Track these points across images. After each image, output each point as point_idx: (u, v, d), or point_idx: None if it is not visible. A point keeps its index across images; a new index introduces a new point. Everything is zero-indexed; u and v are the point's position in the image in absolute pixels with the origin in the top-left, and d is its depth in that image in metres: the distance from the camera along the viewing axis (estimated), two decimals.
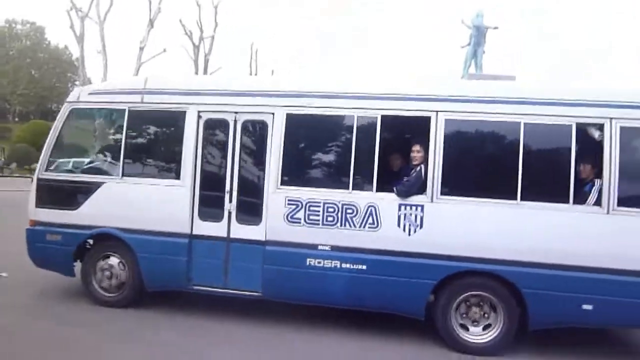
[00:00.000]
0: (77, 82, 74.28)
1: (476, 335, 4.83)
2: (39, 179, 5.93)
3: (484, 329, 4.82)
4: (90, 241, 5.87)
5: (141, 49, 31.64)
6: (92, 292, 5.80)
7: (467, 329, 4.86)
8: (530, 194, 4.69)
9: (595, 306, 4.51)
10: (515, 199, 4.68)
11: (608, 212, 4.51)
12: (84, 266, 5.82)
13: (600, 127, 4.63)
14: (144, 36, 31.78)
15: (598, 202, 4.60)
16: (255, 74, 48.82)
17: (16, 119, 72.75)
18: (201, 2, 38.40)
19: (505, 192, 4.72)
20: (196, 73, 39.36)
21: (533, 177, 4.79)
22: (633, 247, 4.47)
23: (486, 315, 4.83)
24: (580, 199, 4.68)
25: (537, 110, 4.75)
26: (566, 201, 4.61)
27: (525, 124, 4.75)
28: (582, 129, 4.71)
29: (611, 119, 4.57)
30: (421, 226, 4.80)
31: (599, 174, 4.67)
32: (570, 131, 4.64)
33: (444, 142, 4.81)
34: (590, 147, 4.69)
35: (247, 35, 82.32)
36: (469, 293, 4.84)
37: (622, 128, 4.55)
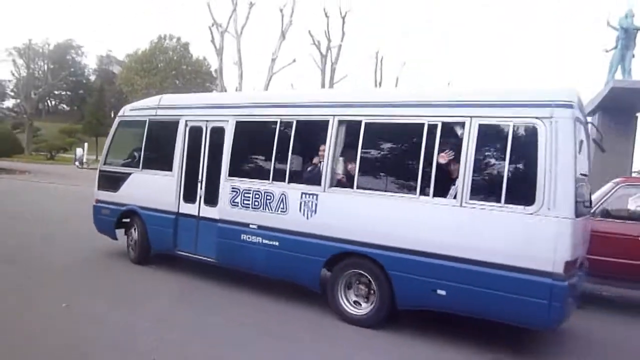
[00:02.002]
0: (214, 91, 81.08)
1: (355, 308, 5.53)
2: (99, 170, 8.32)
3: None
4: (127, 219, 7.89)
5: (273, 60, 33.88)
6: (128, 251, 7.84)
7: (361, 305, 5.53)
8: (397, 187, 5.40)
9: (448, 292, 4.86)
10: (385, 191, 5.37)
11: (461, 205, 4.82)
12: (125, 233, 7.92)
13: (462, 125, 4.98)
14: (275, 47, 33.88)
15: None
16: (380, 82, 49.35)
17: None
18: (329, 12, 39.98)
19: (377, 185, 5.47)
20: (323, 82, 41.01)
21: (399, 172, 5.53)
22: (482, 238, 4.72)
23: (372, 292, 5.43)
24: (444, 192, 5.02)
25: (402, 112, 5.41)
26: (427, 194, 5.03)
27: (394, 124, 5.51)
28: (447, 128, 5.12)
29: (471, 117, 4.93)
30: (315, 212, 5.69)
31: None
32: (436, 130, 5.10)
33: (334, 143, 5.69)
34: (454, 144, 5.03)
35: (373, 43, 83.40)
36: (351, 271, 5.57)
37: (479, 125, 4.86)
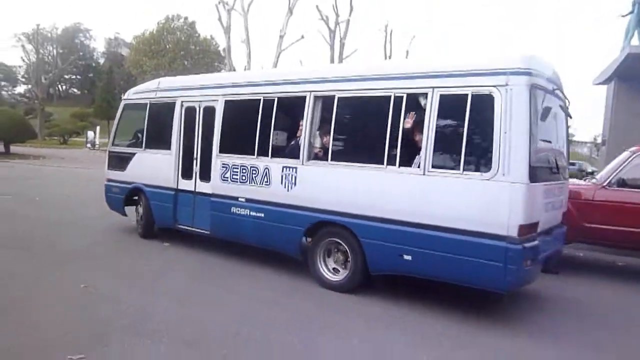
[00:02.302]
0: (223, 70, 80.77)
1: (333, 275, 5.82)
2: (108, 151, 8.90)
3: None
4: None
5: (281, 37, 33.58)
6: (137, 226, 8.37)
7: (339, 271, 5.80)
8: (367, 159, 5.48)
9: (414, 257, 5.09)
10: (356, 162, 5.53)
11: (424, 174, 4.99)
12: (136, 209, 8.37)
13: (425, 96, 5.11)
14: (283, 24, 33.52)
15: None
16: (390, 56, 48.77)
17: None
18: None
19: (349, 157, 5.63)
20: (332, 57, 40.62)
21: (369, 144, 5.67)
22: (443, 205, 4.89)
23: (348, 259, 5.69)
24: (410, 162, 5.20)
25: (371, 86, 5.56)
26: (394, 164, 5.21)
27: (363, 98, 5.67)
28: (411, 99, 5.24)
29: (433, 88, 5.05)
30: (295, 184, 6.02)
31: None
32: (401, 101, 5.24)
33: (311, 118, 5.94)
34: (418, 115, 5.17)
35: (382, 17, 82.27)
36: (329, 240, 5.85)
37: (440, 96, 4.99)
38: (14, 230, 8.14)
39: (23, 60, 56.68)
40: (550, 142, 5.40)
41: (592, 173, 31.64)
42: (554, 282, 6.44)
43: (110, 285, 5.44)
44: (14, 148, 27.76)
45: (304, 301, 5.32)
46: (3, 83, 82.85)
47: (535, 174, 4.70)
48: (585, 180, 7.42)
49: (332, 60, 41.11)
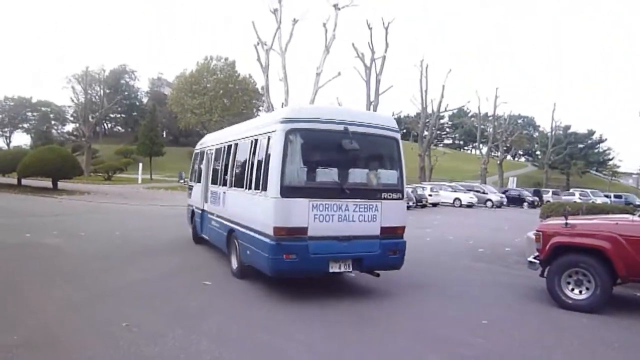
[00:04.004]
0: (261, 108, 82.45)
1: (234, 266, 8.12)
2: (188, 185, 13.00)
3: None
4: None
5: (318, 74, 34.06)
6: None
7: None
8: (234, 184, 8.39)
9: (250, 252, 7.27)
10: (232, 187, 8.49)
11: (246, 192, 7.53)
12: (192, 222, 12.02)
13: (251, 142, 7.68)
14: (320, 62, 34.09)
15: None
16: (426, 90, 48.68)
17: None
18: (372, 24, 39.96)
19: (232, 183, 8.53)
20: (368, 93, 40.88)
21: (237, 175, 8.34)
22: (255, 214, 7.13)
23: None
24: (242, 185, 7.81)
25: (245, 134, 8.33)
26: (240, 187, 7.93)
27: (236, 144, 8.65)
28: (241, 145, 8.33)
29: (253, 135, 7.74)
30: (223, 203, 8.96)
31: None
32: (236, 147, 8.56)
33: (228, 159, 9.08)
34: (261, 153, 7.22)
35: (417, 52, 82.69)
36: (232, 241, 8.24)
37: (253, 140, 7.65)
38: (59, 266, 8.32)
39: (72, 101, 59.28)
40: (334, 168, 6.92)
41: None
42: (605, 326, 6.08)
43: (151, 323, 5.43)
44: (61, 184, 28.78)
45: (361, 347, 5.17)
46: (53, 122, 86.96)
47: (292, 192, 6.49)
48: (639, 215, 7.05)
49: (368, 96, 41.42)
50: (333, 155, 7.02)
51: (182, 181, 13.62)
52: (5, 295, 6.31)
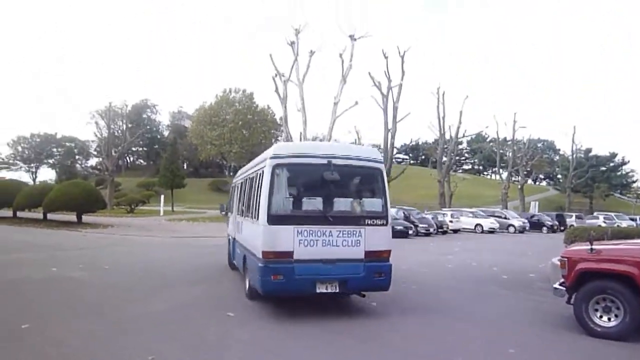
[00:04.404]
0: (279, 138, 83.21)
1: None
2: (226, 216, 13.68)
3: None
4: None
5: (335, 104, 34.47)
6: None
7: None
8: (244, 214, 9.29)
9: (252, 275, 8.11)
10: (242, 216, 9.59)
11: (253, 222, 8.11)
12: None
13: (262, 173, 7.76)
14: (337, 92, 34.51)
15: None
16: (443, 117, 48.75)
17: (231, 174, 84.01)
18: (388, 53, 40.45)
19: (242, 214, 9.63)
20: (386, 121, 41.09)
21: (246, 205, 9.27)
22: (253, 239, 8.07)
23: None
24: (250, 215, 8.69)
25: (251, 169, 9.46)
26: (248, 216, 8.81)
27: (246, 178, 9.84)
28: (257, 175, 8.39)
29: (256, 171, 8.52)
30: (241, 231, 9.66)
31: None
32: (255, 177, 8.57)
33: (241, 192, 10.54)
34: (257, 186, 8.15)
35: (434, 79, 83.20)
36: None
37: (253, 176, 8.80)
38: (83, 298, 8.43)
39: (95, 135, 60.75)
40: (318, 197, 7.59)
41: None
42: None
43: (176, 356, 5.45)
44: (85, 217, 29.27)
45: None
46: (77, 157, 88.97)
47: (278, 220, 7.28)
48: None
49: (385, 124, 41.60)
50: (318, 186, 7.65)
51: (222, 213, 13.87)
52: (29, 327, 6.41)
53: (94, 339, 6.05)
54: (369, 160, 7.90)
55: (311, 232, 7.30)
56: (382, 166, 8.07)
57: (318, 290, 7.30)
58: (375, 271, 7.51)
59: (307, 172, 7.71)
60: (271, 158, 7.51)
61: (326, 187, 7.60)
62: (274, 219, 7.25)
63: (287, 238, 7.20)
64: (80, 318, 7.05)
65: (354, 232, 7.47)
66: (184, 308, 7.96)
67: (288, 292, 7.47)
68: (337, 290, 7.43)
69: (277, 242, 7.22)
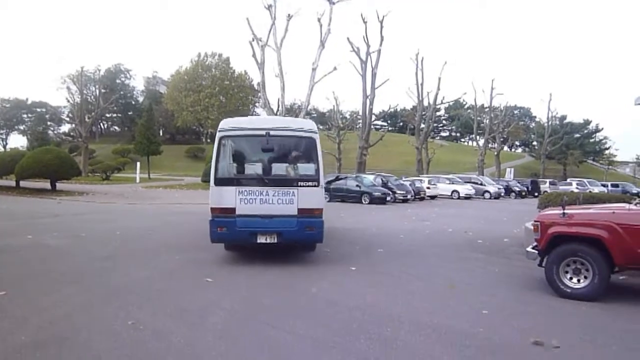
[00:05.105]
0: (257, 104, 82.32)
1: None
2: None
3: None
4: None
5: (313, 69, 34.12)
6: None
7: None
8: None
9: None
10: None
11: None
12: None
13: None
14: (315, 57, 34.08)
15: None
16: (422, 83, 48.76)
17: (208, 140, 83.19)
18: (367, 18, 39.92)
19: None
20: (364, 87, 40.90)
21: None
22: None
23: None
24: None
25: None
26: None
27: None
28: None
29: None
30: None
31: None
32: None
33: None
34: None
35: (413, 45, 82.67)
36: None
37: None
38: (61, 266, 8.38)
39: (68, 101, 59.14)
40: (257, 163, 9.05)
41: (638, 195, 30.42)
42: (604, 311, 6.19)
43: (156, 321, 5.49)
44: (59, 185, 28.79)
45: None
46: (49, 123, 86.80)
47: (223, 182, 8.66)
48: (635, 204, 7.12)
49: (364, 91, 41.42)
50: (258, 154, 9.09)
51: None
52: (10, 296, 6.36)
53: (72, 306, 6.04)
54: (304, 131, 8.99)
55: (250, 192, 8.64)
56: (316, 136, 9.00)
57: (259, 241, 8.68)
58: (307, 225, 8.67)
59: (249, 142, 9.20)
60: (219, 131, 8.88)
61: (265, 154, 9.01)
62: (220, 181, 8.71)
63: (230, 197, 8.60)
64: (57, 286, 7.01)
65: (288, 192, 8.68)
66: (164, 275, 7.98)
67: (231, 241, 9.20)
68: (276, 241, 8.72)
69: (222, 200, 8.63)
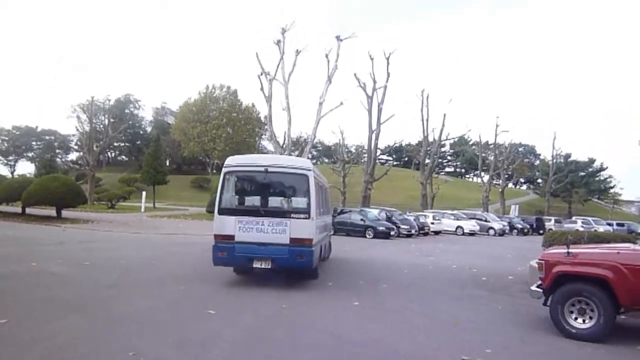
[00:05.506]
0: (264, 137, 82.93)
1: None
2: None
3: None
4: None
5: (320, 103, 34.57)
6: None
7: None
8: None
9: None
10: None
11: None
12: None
13: None
14: (322, 92, 34.57)
15: None
16: (427, 119, 49.15)
17: (214, 171, 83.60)
18: (373, 54, 40.67)
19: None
20: (370, 122, 41.27)
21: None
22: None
23: None
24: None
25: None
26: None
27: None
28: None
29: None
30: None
31: None
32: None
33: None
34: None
35: (418, 82, 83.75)
36: None
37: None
38: (65, 294, 8.35)
39: (77, 129, 59.98)
40: (256, 196, 10.10)
41: None
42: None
43: (158, 351, 5.47)
44: (65, 212, 28.87)
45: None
46: (57, 150, 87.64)
47: (225, 212, 9.73)
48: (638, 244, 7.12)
49: (370, 125, 41.81)
50: (257, 187, 10.23)
51: None
52: (15, 323, 6.35)
53: (75, 336, 6.01)
54: (298, 169, 9.99)
55: (248, 221, 9.52)
56: (309, 173, 9.86)
57: (255, 265, 9.60)
58: (297, 254, 9.42)
59: (249, 177, 10.37)
60: (224, 167, 10.09)
61: (263, 188, 10.05)
62: (222, 211, 9.77)
63: (231, 225, 9.53)
64: (61, 314, 6.98)
65: (281, 223, 9.49)
66: (168, 306, 7.95)
67: (231, 264, 10.10)
68: (270, 267, 9.58)
69: (224, 228, 9.60)
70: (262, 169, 9.82)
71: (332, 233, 16.16)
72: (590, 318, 6.71)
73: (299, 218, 9.51)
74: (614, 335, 6.71)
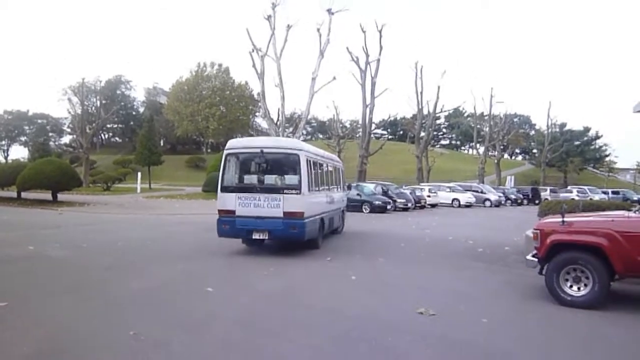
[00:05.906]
0: (257, 114, 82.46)
1: None
2: None
3: None
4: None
5: (313, 79, 34.22)
6: None
7: None
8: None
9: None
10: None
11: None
12: None
13: None
14: (315, 67, 34.23)
15: None
16: (421, 92, 48.86)
17: (209, 150, 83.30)
18: (366, 27, 40.14)
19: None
20: (364, 96, 41.01)
21: None
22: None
23: None
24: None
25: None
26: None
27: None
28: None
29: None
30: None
31: None
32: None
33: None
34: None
35: (412, 54, 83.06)
36: None
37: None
38: (63, 277, 8.38)
39: (69, 112, 59.42)
40: (251, 174, 11.11)
41: (639, 202, 30.37)
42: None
43: (157, 331, 5.51)
44: (60, 196, 28.81)
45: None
46: (50, 134, 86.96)
47: (228, 189, 10.95)
48: (635, 211, 7.14)
49: (364, 100, 41.56)
50: (254, 167, 11.22)
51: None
52: (12, 307, 6.37)
53: (74, 317, 6.05)
54: (289, 149, 11.20)
55: (246, 197, 10.75)
56: (300, 152, 10.95)
57: (254, 237, 10.80)
58: (291, 226, 10.51)
59: (247, 158, 11.33)
60: (225, 150, 11.42)
61: (259, 168, 11.10)
62: (224, 189, 11.05)
63: (232, 201, 10.82)
64: (59, 296, 7.01)
65: (276, 198, 10.61)
66: (166, 286, 7.99)
67: (233, 236, 11.24)
68: (267, 238, 10.86)
69: (226, 204, 10.92)
70: (258, 150, 10.94)
71: (343, 207, 16.41)
72: (585, 285, 6.78)
73: (290, 194, 10.59)
74: (608, 303, 6.80)
